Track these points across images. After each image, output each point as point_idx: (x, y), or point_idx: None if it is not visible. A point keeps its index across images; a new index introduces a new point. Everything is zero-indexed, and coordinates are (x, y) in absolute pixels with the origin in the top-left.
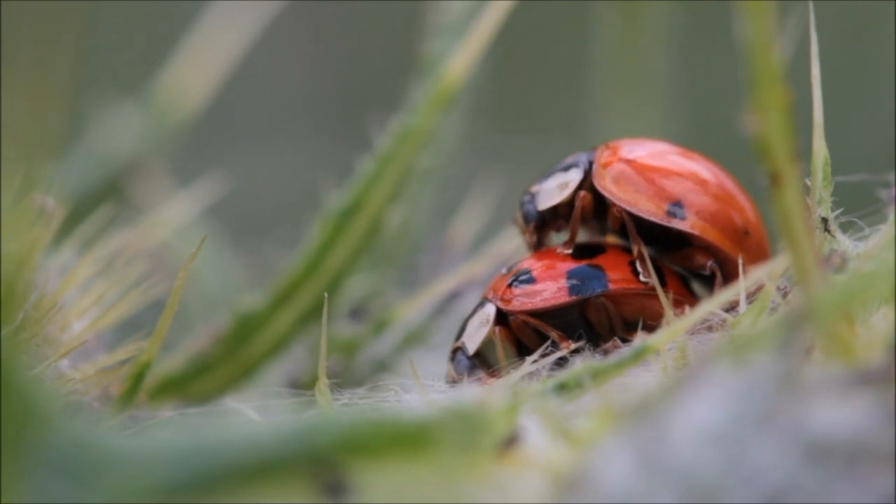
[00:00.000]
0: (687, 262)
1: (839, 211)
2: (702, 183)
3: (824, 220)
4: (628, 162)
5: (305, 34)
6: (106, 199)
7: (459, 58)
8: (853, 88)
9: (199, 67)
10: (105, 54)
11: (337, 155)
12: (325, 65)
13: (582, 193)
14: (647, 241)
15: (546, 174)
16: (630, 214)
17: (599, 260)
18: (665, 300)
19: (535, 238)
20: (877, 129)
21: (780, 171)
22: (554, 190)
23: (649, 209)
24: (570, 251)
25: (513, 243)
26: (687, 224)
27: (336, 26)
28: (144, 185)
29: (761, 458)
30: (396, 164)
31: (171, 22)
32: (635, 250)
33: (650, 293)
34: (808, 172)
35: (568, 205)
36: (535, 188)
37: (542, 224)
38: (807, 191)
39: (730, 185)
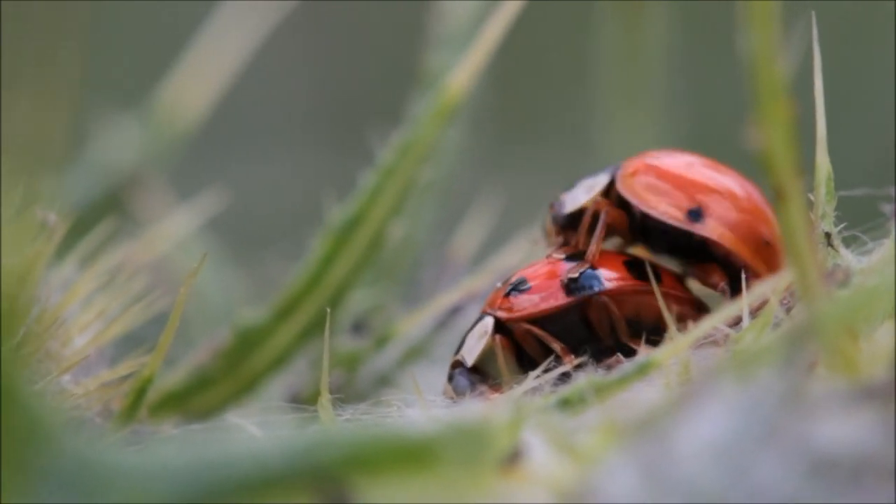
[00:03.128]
0: (704, 278)
1: (842, 225)
2: (723, 191)
3: (827, 235)
4: (652, 168)
5: (305, 47)
6: (107, 212)
7: (461, 70)
8: (855, 102)
9: (199, 80)
10: (104, 66)
11: (338, 167)
12: (326, 77)
13: (599, 199)
14: (670, 252)
15: (575, 183)
16: (651, 220)
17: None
18: (668, 315)
19: (560, 242)
20: (879, 143)
21: (783, 186)
22: (581, 193)
23: (670, 213)
24: (562, 256)
25: (515, 257)
26: (707, 229)
27: (336, 38)
28: (145, 198)
29: (766, 474)
30: (398, 177)
31: (171, 34)
32: (590, 249)
33: (647, 290)
34: (811, 186)
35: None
36: (563, 195)
37: (568, 228)
38: (810, 205)
39: (754, 195)
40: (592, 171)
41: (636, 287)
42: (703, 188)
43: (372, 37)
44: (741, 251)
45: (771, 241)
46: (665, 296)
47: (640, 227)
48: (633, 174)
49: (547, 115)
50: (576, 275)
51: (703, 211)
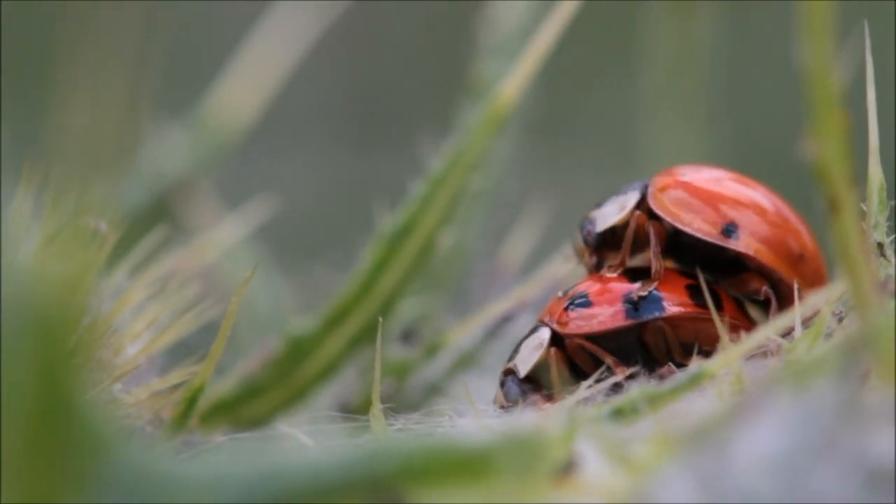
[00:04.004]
0: (742, 286)
1: (894, 235)
2: (756, 206)
3: (880, 245)
4: (683, 185)
5: (350, 51)
6: (157, 220)
7: (512, 79)
8: None
9: (246, 86)
10: (152, 74)
11: (386, 174)
12: (371, 82)
13: (637, 213)
14: (702, 266)
15: (604, 200)
16: (685, 236)
17: (656, 283)
18: (721, 325)
19: (594, 261)
20: None
21: (837, 197)
22: (612, 212)
23: (704, 229)
24: (620, 273)
25: (565, 266)
26: (742, 244)
27: (381, 42)
28: (194, 205)
29: (822, 485)
30: (448, 186)
31: (217, 40)
32: (654, 267)
33: (707, 317)
34: (863, 196)
35: (625, 226)
36: (593, 213)
37: (602, 247)
38: (862, 215)
39: (784, 209)
40: (619, 189)
41: (697, 314)
42: (735, 203)
43: (418, 41)
44: (776, 265)
45: (804, 254)
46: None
47: (672, 242)
48: (664, 190)
49: (595, 123)
50: (644, 293)
51: (737, 226)
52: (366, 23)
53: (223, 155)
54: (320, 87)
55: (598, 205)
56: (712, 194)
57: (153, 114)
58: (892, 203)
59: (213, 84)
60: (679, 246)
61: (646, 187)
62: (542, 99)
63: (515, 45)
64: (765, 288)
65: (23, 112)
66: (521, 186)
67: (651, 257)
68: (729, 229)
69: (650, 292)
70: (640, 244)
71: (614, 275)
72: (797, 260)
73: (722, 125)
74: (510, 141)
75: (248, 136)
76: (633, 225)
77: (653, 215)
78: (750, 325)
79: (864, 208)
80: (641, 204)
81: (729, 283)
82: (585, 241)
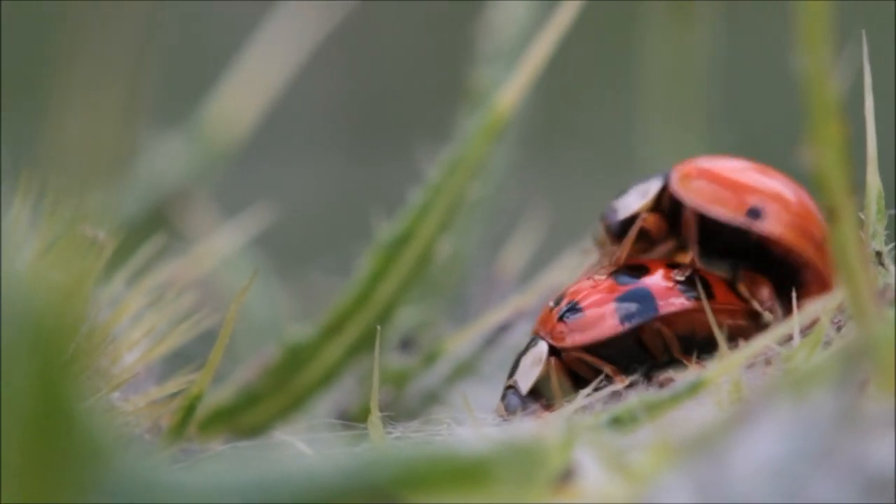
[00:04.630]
0: (754, 288)
1: (893, 244)
2: (780, 192)
3: (878, 254)
4: (707, 171)
5: (348, 59)
6: (154, 229)
7: (510, 88)
8: None
9: (244, 95)
10: (150, 82)
11: (384, 182)
12: (369, 90)
13: (644, 215)
14: (720, 256)
15: (625, 190)
16: (709, 221)
17: (646, 282)
18: (719, 335)
19: (615, 250)
20: None
21: (836, 206)
22: (635, 198)
23: (729, 213)
24: (612, 272)
25: (563, 273)
26: (767, 227)
27: (379, 50)
28: (191, 214)
29: (820, 494)
30: (446, 194)
31: (215, 49)
32: (690, 257)
33: (702, 308)
34: (861, 205)
35: (650, 210)
36: (615, 202)
37: (626, 234)
38: (860, 224)
39: (805, 197)
40: (642, 177)
41: (691, 307)
42: (759, 188)
43: (416, 48)
44: (803, 248)
45: (824, 243)
46: (719, 311)
47: (697, 230)
48: (687, 176)
49: (594, 131)
50: (681, 277)
51: (762, 210)
52: (364, 31)
53: (221, 163)
54: (318, 94)
55: (620, 194)
56: (736, 180)
57: (151, 122)
58: (891, 212)
59: (210, 92)
60: (703, 232)
61: (668, 175)
62: (540, 106)
63: (514, 52)
64: (770, 303)
65: (20, 120)
66: (520, 194)
67: (690, 247)
68: (755, 212)
69: (641, 290)
70: (646, 240)
71: (604, 276)
72: (820, 244)
73: (720, 132)
74: (508, 149)
75: (247, 144)
76: (638, 223)
77: (674, 205)
78: (743, 304)
79: (863, 217)
80: (664, 192)
81: (744, 281)
82: (608, 230)
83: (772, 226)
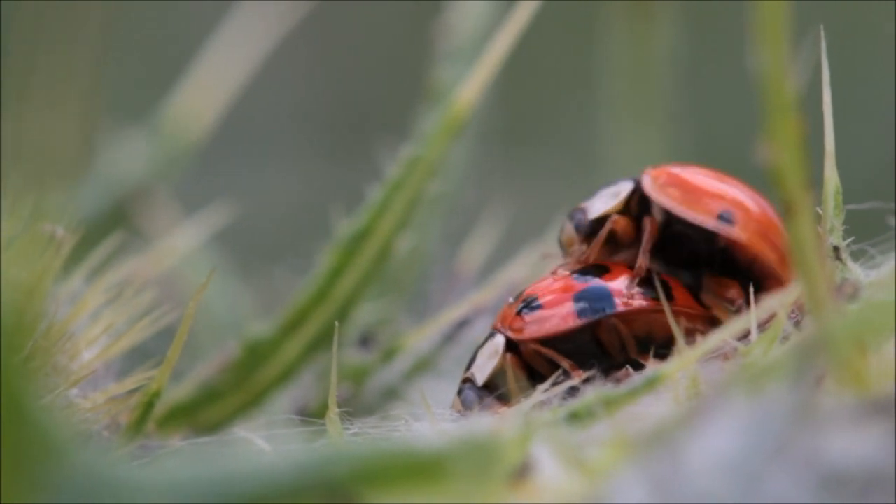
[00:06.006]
0: (721, 291)
1: (850, 239)
2: (746, 200)
3: (836, 249)
4: (678, 175)
5: (310, 58)
6: (114, 226)
7: (469, 85)
8: (861, 114)
9: (206, 93)
10: (110, 79)
11: (344, 179)
12: (332, 89)
13: (615, 217)
14: (686, 262)
15: (594, 193)
16: (679, 225)
17: (605, 280)
18: (676, 328)
19: (584, 249)
20: (886, 156)
21: (793, 201)
22: (606, 198)
23: (701, 216)
24: (573, 271)
25: (523, 270)
26: (736, 232)
27: (342, 49)
28: (152, 211)
29: (776, 489)
30: (406, 191)
31: (176, 46)
32: (639, 263)
33: (660, 309)
34: (819, 200)
35: (619, 213)
36: (585, 203)
37: (594, 235)
38: (818, 219)
39: (766, 206)
40: (610, 181)
41: (649, 307)
42: (728, 195)
43: (379, 47)
44: (769, 256)
45: (785, 251)
46: (677, 314)
47: (664, 235)
48: (660, 179)
49: (554, 129)
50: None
51: (732, 215)
52: (326, 31)
53: (182, 161)
54: (280, 93)
55: (590, 195)
56: (707, 185)
57: (112, 118)
58: (848, 207)
59: (172, 90)
60: (669, 239)
61: (640, 178)
62: (500, 105)
63: (473, 50)
64: (739, 301)
65: None
66: (479, 191)
67: (640, 253)
68: (725, 217)
69: (600, 288)
70: (614, 243)
71: (566, 273)
72: (784, 255)
73: (681, 129)
74: (468, 146)
75: (208, 142)
76: (609, 224)
77: (643, 209)
78: (702, 310)
79: (820, 212)
80: (634, 195)
81: (710, 286)
82: (577, 229)
83: (741, 231)
